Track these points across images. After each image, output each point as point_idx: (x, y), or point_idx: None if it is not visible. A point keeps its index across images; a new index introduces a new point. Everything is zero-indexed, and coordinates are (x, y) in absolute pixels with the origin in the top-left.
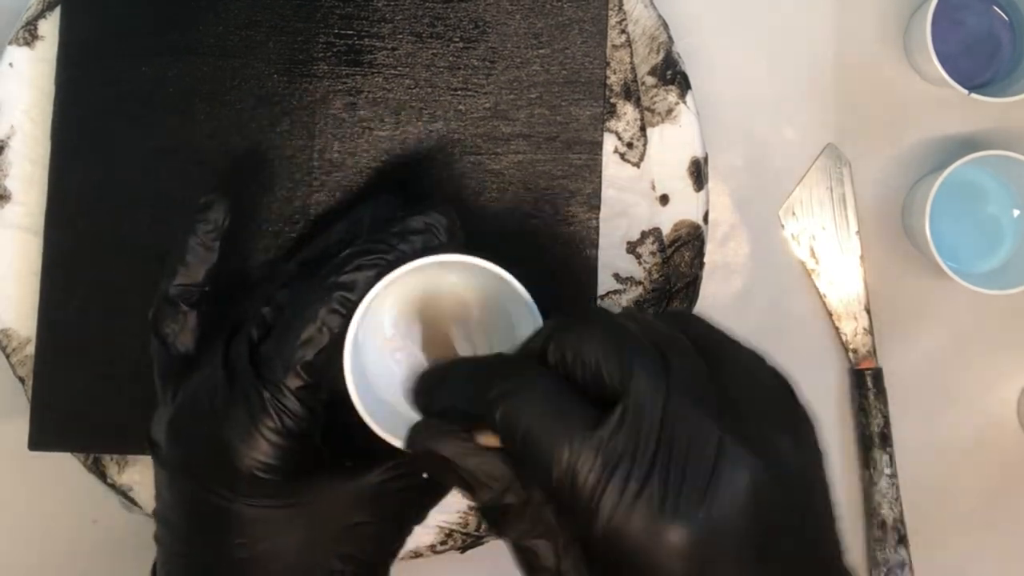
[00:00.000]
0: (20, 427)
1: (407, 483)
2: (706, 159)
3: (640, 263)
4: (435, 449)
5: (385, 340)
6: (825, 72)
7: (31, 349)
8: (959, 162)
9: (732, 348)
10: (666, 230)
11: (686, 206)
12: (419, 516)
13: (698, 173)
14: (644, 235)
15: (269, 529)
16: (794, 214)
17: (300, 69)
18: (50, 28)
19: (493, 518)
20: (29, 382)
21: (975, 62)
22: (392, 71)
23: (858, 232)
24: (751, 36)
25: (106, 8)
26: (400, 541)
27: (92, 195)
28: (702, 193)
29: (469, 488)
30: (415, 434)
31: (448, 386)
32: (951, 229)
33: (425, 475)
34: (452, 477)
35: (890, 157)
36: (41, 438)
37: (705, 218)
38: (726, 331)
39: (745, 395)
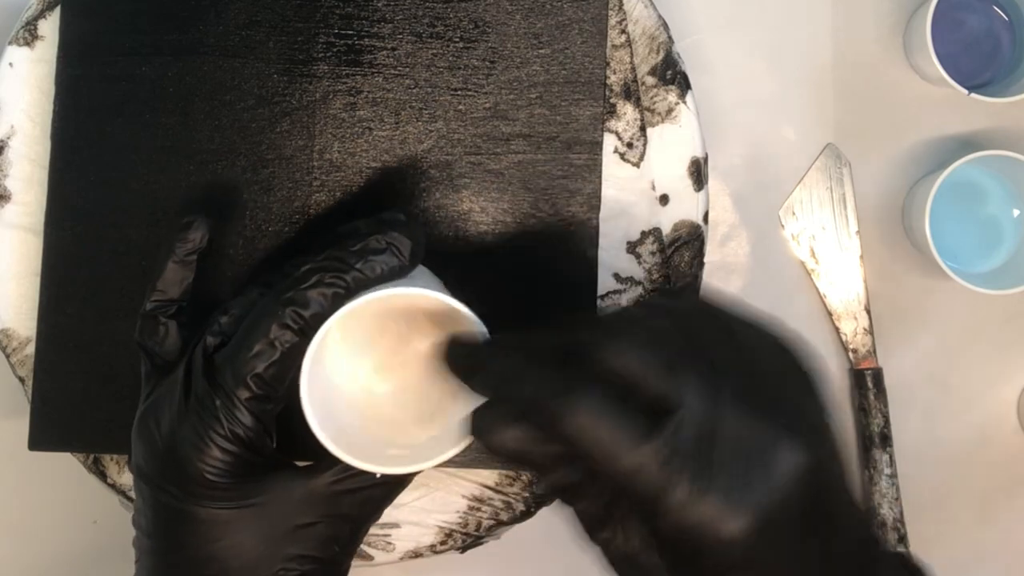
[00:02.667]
0: (20, 427)
1: (359, 483)
2: (706, 159)
3: (640, 263)
4: (500, 445)
5: (339, 358)
6: (825, 72)
7: (31, 349)
8: (959, 162)
9: (742, 325)
10: (666, 230)
11: (686, 206)
12: (375, 514)
13: (698, 173)
14: (644, 235)
15: (222, 529)
16: (794, 214)
17: (300, 69)
18: (50, 28)
19: (558, 493)
20: (29, 382)
21: (975, 62)
22: (392, 71)
23: (858, 232)
24: (751, 36)
25: (106, 8)
26: (356, 541)
27: (92, 195)
28: (702, 193)
29: (535, 470)
30: (477, 427)
31: (495, 376)
32: (951, 229)
33: (379, 475)
34: (517, 462)
35: (890, 157)
36: (41, 438)
37: (705, 218)
38: (727, 304)
39: (769, 372)
